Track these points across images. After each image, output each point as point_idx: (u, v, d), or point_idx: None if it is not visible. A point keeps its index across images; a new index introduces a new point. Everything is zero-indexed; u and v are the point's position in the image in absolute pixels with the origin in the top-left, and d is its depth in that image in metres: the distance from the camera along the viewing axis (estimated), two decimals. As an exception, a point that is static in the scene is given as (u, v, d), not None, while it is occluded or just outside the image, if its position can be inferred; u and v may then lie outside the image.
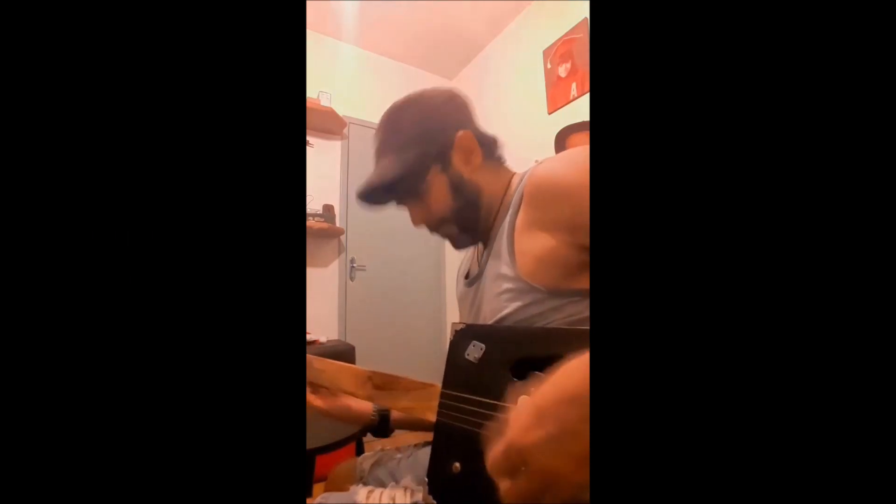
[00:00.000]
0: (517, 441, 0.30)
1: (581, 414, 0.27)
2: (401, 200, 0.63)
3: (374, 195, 0.62)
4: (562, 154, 0.53)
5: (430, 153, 0.58)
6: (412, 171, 0.57)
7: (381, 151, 0.61)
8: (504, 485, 0.31)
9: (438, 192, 0.59)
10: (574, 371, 0.31)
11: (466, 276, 0.67)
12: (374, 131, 0.64)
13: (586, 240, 0.45)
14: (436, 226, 0.62)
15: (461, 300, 0.69)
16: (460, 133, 0.58)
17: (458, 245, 0.64)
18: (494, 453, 0.31)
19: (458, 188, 0.59)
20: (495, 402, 0.43)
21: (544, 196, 0.50)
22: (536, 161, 0.59)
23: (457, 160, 0.59)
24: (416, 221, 0.63)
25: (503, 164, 0.64)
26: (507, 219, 0.55)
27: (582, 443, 0.26)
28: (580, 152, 0.50)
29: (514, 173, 0.63)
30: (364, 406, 0.68)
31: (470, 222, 0.60)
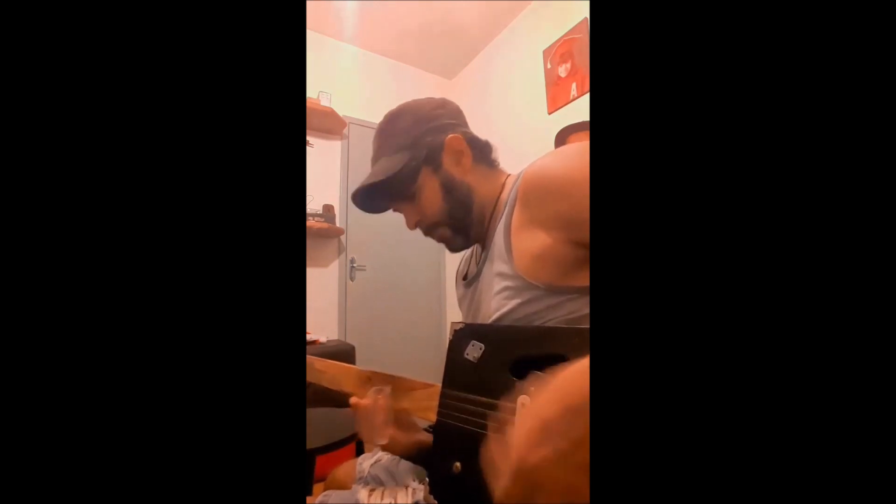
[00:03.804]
0: (526, 460, 0.29)
1: (588, 424, 0.26)
2: (395, 203, 0.65)
3: (367, 197, 0.63)
4: (554, 151, 0.53)
5: (420, 155, 0.59)
6: (403, 172, 0.59)
7: (376, 157, 0.63)
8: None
9: (430, 193, 0.60)
10: (576, 379, 0.30)
11: (465, 278, 0.67)
12: (374, 132, 0.65)
13: (582, 236, 0.45)
14: (429, 228, 0.63)
15: (460, 301, 0.70)
16: (450, 136, 0.60)
17: (452, 248, 0.64)
18: (503, 480, 0.31)
19: (449, 189, 0.60)
20: (495, 401, 0.43)
21: (538, 193, 0.50)
22: None
23: (447, 162, 0.60)
24: (410, 224, 0.65)
25: (496, 167, 0.64)
26: (503, 218, 0.55)
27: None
28: (573, 149, 0.50)
29: (509, 175, 0.63)
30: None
31: (462, 223, 0.61)
